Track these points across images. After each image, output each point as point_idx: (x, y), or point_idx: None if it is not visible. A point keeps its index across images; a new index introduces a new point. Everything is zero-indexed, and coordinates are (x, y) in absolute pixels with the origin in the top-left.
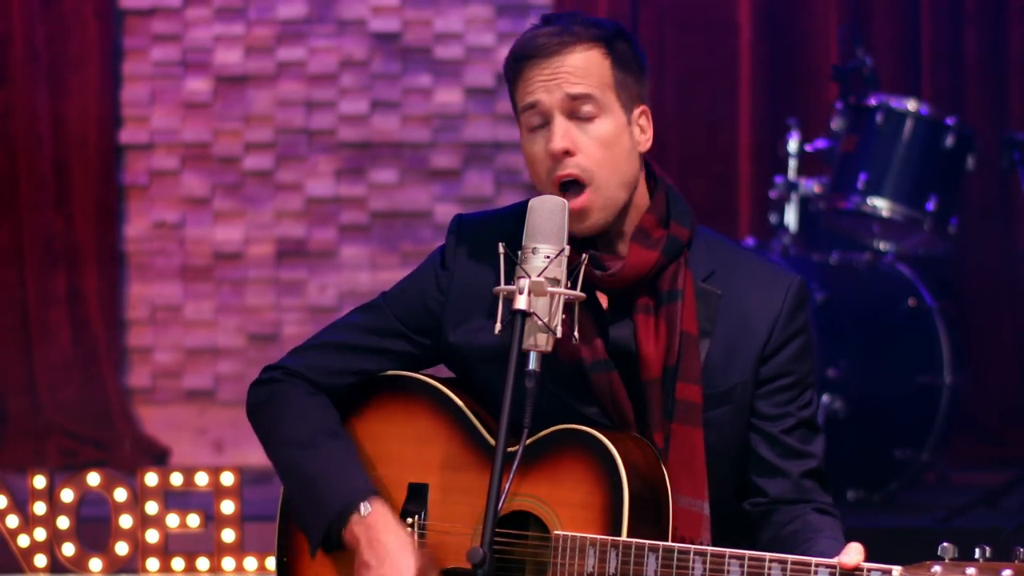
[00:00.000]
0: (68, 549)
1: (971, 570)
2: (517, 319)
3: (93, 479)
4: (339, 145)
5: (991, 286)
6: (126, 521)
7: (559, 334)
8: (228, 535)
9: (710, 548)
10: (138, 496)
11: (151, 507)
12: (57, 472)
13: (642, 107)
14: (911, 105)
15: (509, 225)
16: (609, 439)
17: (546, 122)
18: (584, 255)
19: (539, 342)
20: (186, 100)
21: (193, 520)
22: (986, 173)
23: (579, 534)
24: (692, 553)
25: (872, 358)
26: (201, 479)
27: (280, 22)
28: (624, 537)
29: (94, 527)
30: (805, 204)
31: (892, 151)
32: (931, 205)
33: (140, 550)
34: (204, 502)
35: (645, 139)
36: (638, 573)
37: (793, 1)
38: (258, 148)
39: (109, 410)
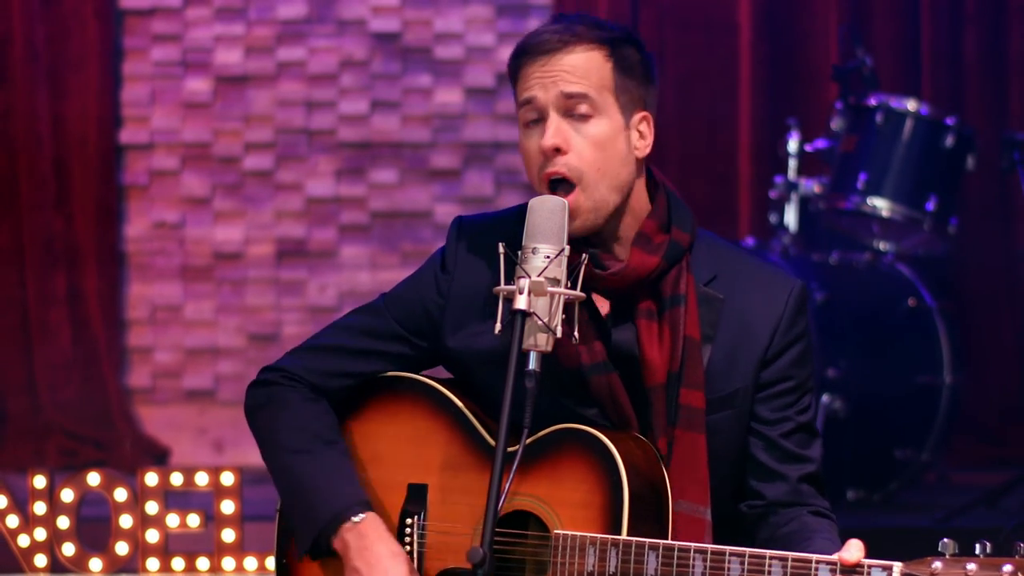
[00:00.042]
0: (68, 549)
1: (971, 565)
2: (517, 319)
3: (93, 479)
4: (339, 145)
5: (991, 286)
6: (126, 521)
7: (559, 334)
8: (228, 535)
9: (710, 546)
10: (138, 496)
11: (151, 507)
12: (57, 472)
13: (643, 113)
14: (911, 105)
15: (509, 227)
16: (609, 438)
17: (541, 119)
18: (584, 255)
19: (539, 342)
20: (186, 100)
21: (193, 520)
22: (986, 173)
23: (579, 533)
24: (692, 551)
25: (872, 358)
26: (201, 479)
27: (280, 22)
28: (624, 536)
29: (94, 527)
30: (805, 204)
31: (892, 151)
32: (931, 205)
33: (140, 550)
34: (204, 502)
35: (644, 145)
36: (638, 572)
37: (793, 1)
38: (258, 148)
39: (109, 410)
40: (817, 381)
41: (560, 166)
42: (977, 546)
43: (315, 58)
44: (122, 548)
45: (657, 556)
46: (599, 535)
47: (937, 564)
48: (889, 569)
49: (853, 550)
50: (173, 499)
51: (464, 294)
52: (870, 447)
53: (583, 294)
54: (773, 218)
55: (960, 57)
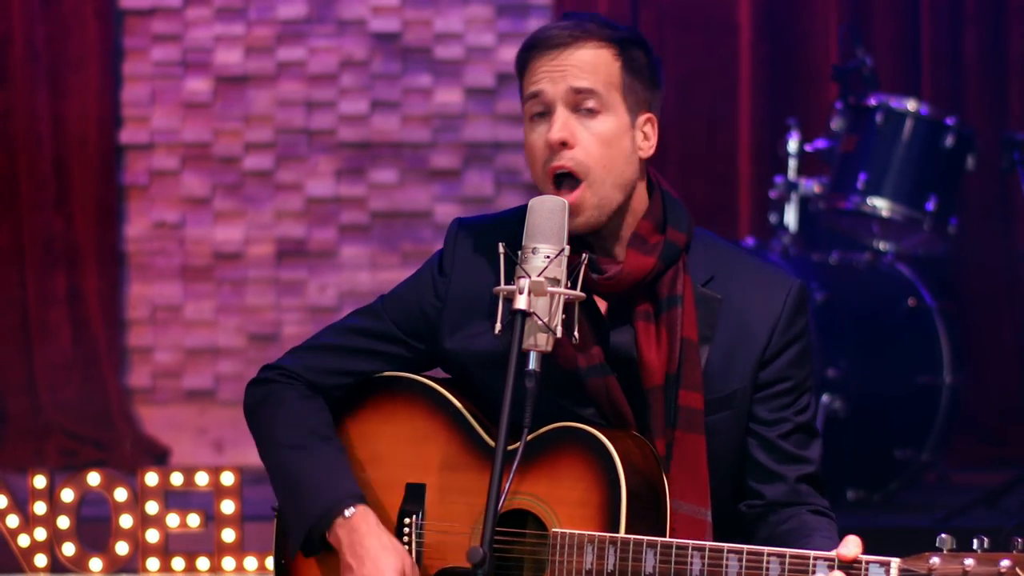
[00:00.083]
0: (68, 549)
1: (969, 560)
2: (517, 319)
3: (93, 479)
4: (339, 145)
5: (991, 286)
6: (126, 521)
7: (559, 334)
8: (228, 535)
9: (708, 543)
10: (138, 496)
11: (151, 507)
12: (57, 472)
13: (648, 115)
14: (911, 105)
15: (508, 228)
16: (607, 437)
17: (548, 112)
18: (584, 255)
19: (539, 342)
20: (186, 100)
21: (193, 520)
22: (986, 173)
23: (577, 531)
24: (690, 548)
25: (872, 358)
26: (201, 479)
27: (280, 22)
28: (622, 534)
29: (94, 527)
30: (805, 204)
31: (892, 151)
32: (931, 205)
33: (140, 550)
34: (204, 502)
35: (648, 146)
36: (636, 569)
37: (793, 1)
38: (258, 148)
39: (109, 410)
40: (817, 381)
41: (567, 160)
42: (975, 541)
43: (315, 58)
44: (122, 548)
45: (655, 554)
46: (597, 533)
47: (935, 559)
48: (887, 565)
49: (851, 546)
50: (173, 499)
51: (461, 296)
52: (870, 447)
53: (583, 294)
54: (773, 218)
55: (960, 57)
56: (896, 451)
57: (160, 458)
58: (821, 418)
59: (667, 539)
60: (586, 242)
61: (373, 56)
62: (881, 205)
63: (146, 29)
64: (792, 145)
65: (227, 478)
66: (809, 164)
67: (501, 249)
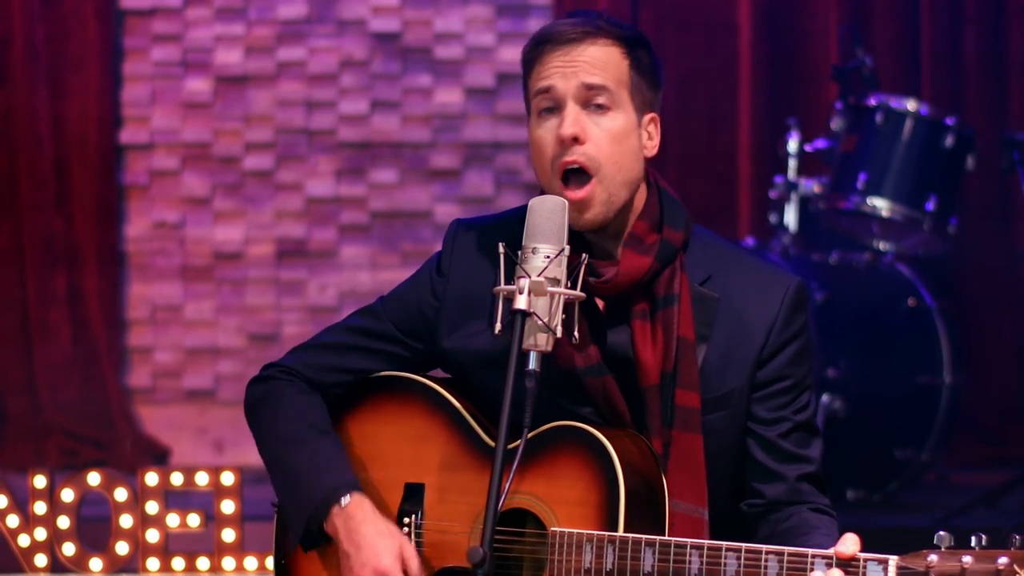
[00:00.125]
0: (68, 549)
1: (967, 558)
2: (517, 319)
3: (93, 479)
4: (339, 145)
5: (991, 286)
6: (126, 521)
7: (559, 334)
8: (228, 535)
9: (707, 542)
10: (138, 496)
11: (151, 507)
12: (57, 472)
13: (652, 114)
14: (911, 105)
15: (508, 228)
16: (605, 436)
17: (557, 108)
18: (584, 255)
19: (539, 342)
20: (186, 100)
21: (193, 520)
22: (986, 173)
23: (576, 530)
24: (689, 547)
25: (872, 358)
26: (201, 479)
27: (280, 22)
28: (621, 533)
29: (94, 527)
30: (805, 204)
31: (892, 151)
32: (931, 205)
33: (140, 550)
34: (204, 502)
35: (652, 145)
36: (635, 568)
37: (793, 1)
38: (258, 148)
39: (109, 410)
40: (817, 381)
41: (578, 155)
42: (973, 539)
43: (315, 58)
44: (122, 548)
45: (654, 552)
46: (596, 532)
47: (933, 557)
48: (885, 563)
49: (849, 544)
50: (173, 499)
51: (459, 296)
52: (870, 447)
53: (583, 294)
54: (773, 218)
55: (960, 57)
56: (896, 451)
57: (160, 458)
58: (821, 418)
59: (666, 538)
60: (586, 242)
61: (373, 56)
62: (881, 205)
63: (146, 29)
64: (792, 145)
65: (227, 478)
66: (809, 164)
67: (501, 249)
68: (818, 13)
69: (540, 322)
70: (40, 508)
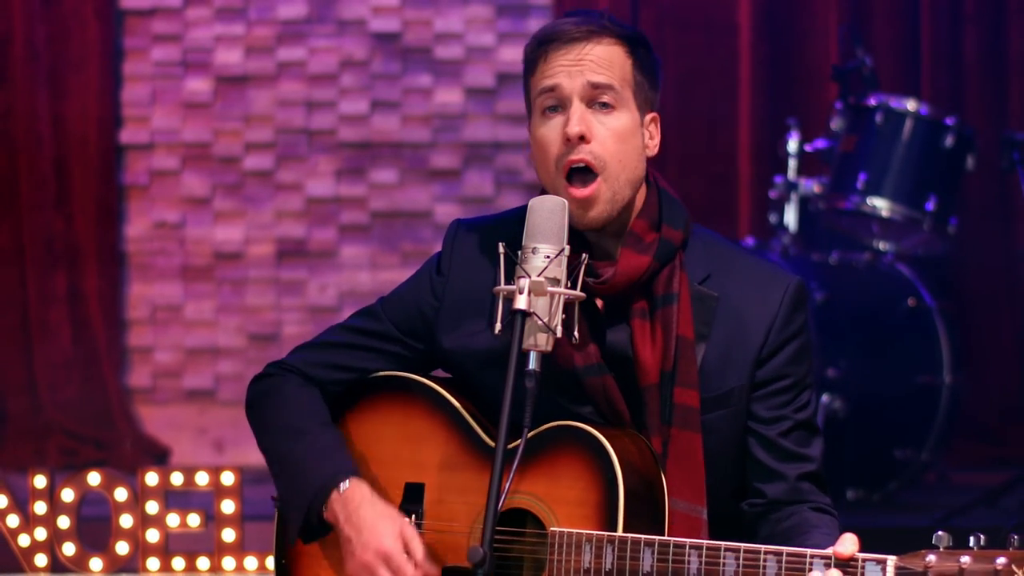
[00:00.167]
0: (69, 549)
1: (965, 558)
2: (517, 319)
3: (94, 479)
4: (339, 145)
5: (991, 286)
6: (126, 521)
7: (559, 334)
8: (228, 535)
9: (706, 542)
10: (138, 496)
11: (151, 507)
12: (58, 472)
13: (653, 114)
14: (911, 105)
15: (508, 228)
16: (605, 436)
17: (562, 107)
18: (584, 255)
19: (539, 342)
20: (186, 100)
21: (193, 520)
22: (986, 173)
23: (575, 530)
24: (688, 547)
25: (872, 358)
26: (201, 479)
27: (280, 22)
28: (620, 533)
29: (95, 527)
30: (805, 204)
31: (892, 151)
32: (931, 205)
33: (140, 550)
34: (204, 502)
35: (653, 144)
36: (634, 568)
37: (793, 1)
38: (258, 148)
39: (110, 410)
40: (817, 381)
41: (585, 154)
42: (971, 539)
43: (315, 58)
44: (122, 548)
45: (653, 552)
46: (595, 532)
47: (931, 557)
48: (883, 563)
49: (848, 544)
50: (173, 499)
51: (459, 295)
52: (870, 447)
53: (583, 294)
54: (773, 218)
55: (960, 57)
56: (896, 451)
57: (160, 458)
58: (821, 418)
59: (665, 538)
60: (586, 241)
61: (373, 56)
62: (881, 205)
63: (146, 29)
64: (792, 145)
65: (227, 478)
66: (809, 164)
67: (501, 249)
68: (818, 13)
69: (540, 322)
70: (40, 508)
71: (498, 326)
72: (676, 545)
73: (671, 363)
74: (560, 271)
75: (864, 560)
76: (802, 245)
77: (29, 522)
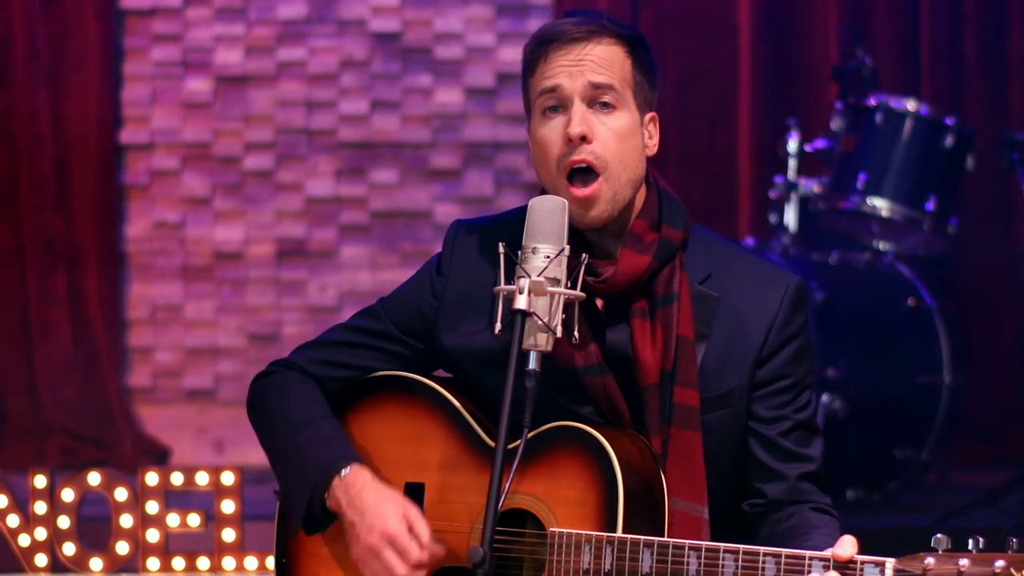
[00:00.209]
0: (69, 548)
1: (964, 561)
2: (517, 319)
3: (94, 479)
4: (339, 145)
5: (991, 286)
6: (127, 520)
7: (559, 334)
8: (228, 535)
9: (705, 543)
10: (139, 496)
11: (152, 507)
12: (58, 471)
13: (652, 113)
14: (911, 105)
15: (508, 228)
16: (604, 436)
17: (562, 107)
18: (584, 255)
19: (539, 342)
20: (186, 100)
21: (194, 520)
22: (986, 173)
23: (574, 531)
24: (687, 548)
25: (872, 358)
26: (202, 479)
27: (280, 22)
28: (620, 534)
29: (95, 526)
30: (805, 204)
31: (892, 151)
32: (931, 205)
33: (141, 549)
34: (205, 502)
35: (652, 144)
36: (633, 569)
37: (793, 1)
38: (258, 148)
39: (110, 410)
40: (817, 381)
41: (587, 154)
42: (970, 542)
43: (315, 58)
44: (122, 548)
45: (652, 553)
46: (594, 533)
47: (930, 560)
48: (882, 565)
49: (846, 546)
50: (173, 499)
51: (459, 295)
52: (870, 447)
53: (583, 294)
54: (773, 218)
55: (960, 57)
56: (896, 451)
57: (160, 458)
58: (821, 418)
59: (664, 539)
60: (587, 241)
61: (373, 56)
62: (881, 205)
63: (146, 29)
64: (792, 145)
65: (227, 478)
66: (809, 164)
67: (501, 249)
68: (818, 13)
69: (540, 322)
70: (40, 508)
71: (498, 326)
72: (675, 546)
73: (671, 363)
74: (560, 271)
75: (863, 562)
76: (802, 245)
77: (29, 522)
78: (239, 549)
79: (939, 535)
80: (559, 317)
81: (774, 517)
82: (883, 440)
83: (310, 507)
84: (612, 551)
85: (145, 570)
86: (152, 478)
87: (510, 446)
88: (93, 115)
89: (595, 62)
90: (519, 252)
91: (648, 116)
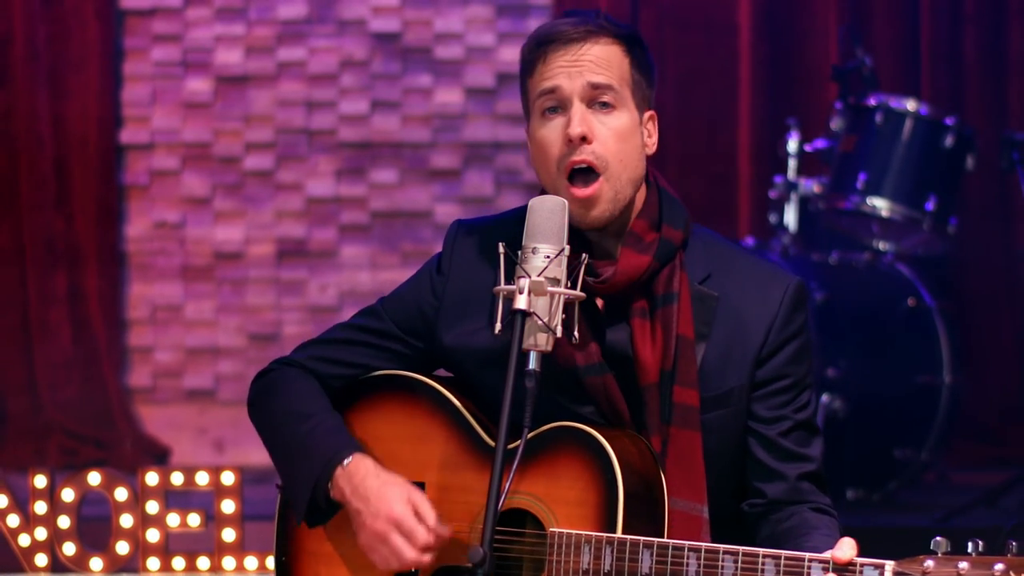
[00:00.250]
0: (69, 548)
1: (963, 564)
2: (517, 319)
3: (94, 478)
4: (339, 145)
5: (991, 286)
6: (127, 520)
7: (559, 334)
8: (228, 534)
9: (704, 544)
10: (139, 495)
11: (152, 506)
12: (58, 471)
13: (650, 112)
14: (911, 105)
15: (508, 228)
16: (604, 436)
17: (562, 108)
18: (584, 255)
19: (539, 342)
20: (186, 100)
21: (194, 519)
22: (986, 173)
23: (574, 531)
24: (687, 549)
25: (872, 358)
26: (202, 478)
27: (280, 22)
28: (619, 534)
29: (95, 526)
30: (805, 204)
31: (891, 151)
32: (930, 205)
33: (141, 549)
34: (205, 501)
35: (652, 143)
36: (633, 570)
37: (793, 1)
38: (258, 148)
39: (110, 409)
40: (817, 381)
41: (587, 154)
42: (969, 544)
43: (315, 58)
44: (123, 548)
45: (652, 554)
46: (594, 533)
47: (929, 563)
48: (881, 568)
49: (846, 548)
50: (174, 499)
51: (459, 295)
52: (870, 447)
53: (583, 294)
54: (773, 218)
55: (960, 57)
56: (896, 451)
57: (160, 458)
58: (821, 418)
59: (663, 540)
60: (587, 241)
61: (373, 56)
62: (881, 205)
63: (146, 29)
64: (792, 145)
65: (227, 478)
66: (809, 164)
67: (501, 249)
68: (818, 13)
69: (540, 322)
70: (40, 508)
71: (498, 326)
72: (675, 547)
73: (671, 362)
74: (560, 271)
75: (862, 565)
76: (802, 245)
77: (29, 522)
78: (239, 549)
79: (938, 538)
80: (559, 317)
81: (774, 517)
82: (883, 440)
83: (313, 497)
84: (612, 551)
85: (145, 570)
86: (152, 478)
87: (510, 446)
88: (93, 115)
89: (593, 62)
90: (519, 252)
91: (647, 115)
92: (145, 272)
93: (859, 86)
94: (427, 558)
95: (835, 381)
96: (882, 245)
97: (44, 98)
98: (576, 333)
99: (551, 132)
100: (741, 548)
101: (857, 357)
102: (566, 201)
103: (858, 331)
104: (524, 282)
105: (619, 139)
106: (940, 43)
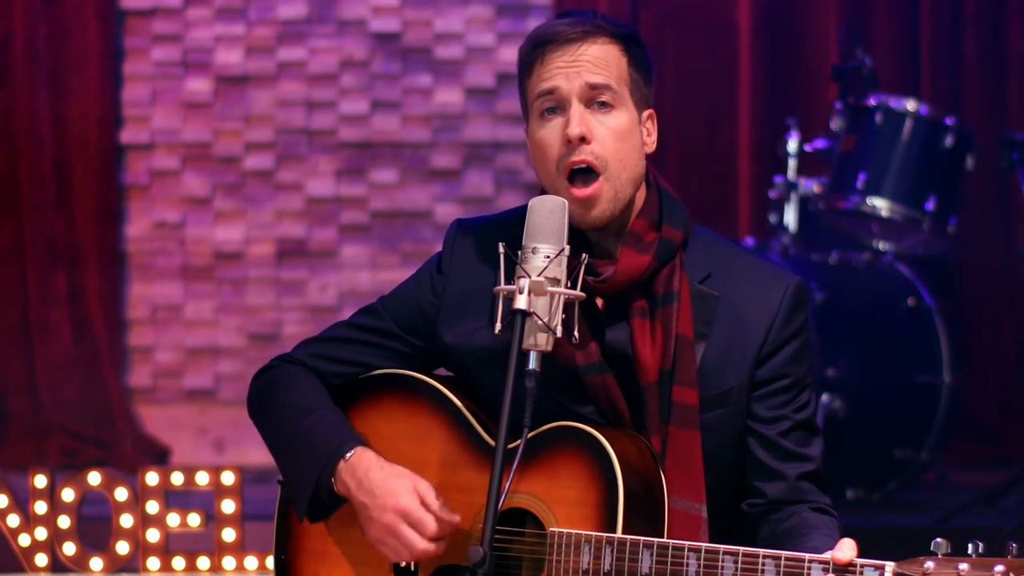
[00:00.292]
0: (69, 548)
1: (964, 565)
2: (517, 319)
3: (94, 478)
4: (339, 145)
5: (991, 286)
6: (127, 520)
7: (559, 334)
8: (229, 534)
9: (704, 544)
10: (139, 495)
11: (152, 506)
12: (58, 471)
13: (649, 111)
14: (910, 105)
15: (508, 228)
16: (605, 436)
17: (560, 108)
18: (584, 255)
19: (539, 342)
20: (187, 100)
21: (194, 519)
22: (985, 173)
23: (574, 531)
24: (687, 549)
25: (872, 358)
26: (202, 478)
27: (280, 22)
28: (619, 534)
29: (95, 526)
30: (805, 204)
31: (891, 151)
32: (930, 205)
33: (141, 549)
34: (205, 501)
35: (651, 141)
36: (633, 570)
37: (793, 1)
38: (258, 148)
39: (110, 409)
40: (817, 381)
41: (586, 155)
42: (969, 546)
43: (315, 58)
44: (123, 547)
45: (651, 554)
46: (594, 533)
47: (929, 564)
48: (881, 569)
49: (846, 549)
50: (174, 498)
51: (459, 294)
52: (870, 447)
53: (583, 294)
54: (773, 218)
55: (960, 57)
56: (896, 451)
57: (160, 458)
58: (821, 418)
59: (663, 540)
60: (587, 240)
61: (373, 56)
62: (881, 205)
63: (147, 29)
64: (792, 145)
65: (227, 478)
66: (809, 164)
67: (501, 249)
68: (818, 13)
69: (540, 322)
70: (41, 508)
71: (498, 326)
72: (675, 548)
73: (670, 362)
74: (560, 271)
75: (862, 566)
76: (802, 245)
77: (29, 522)
78: (239, 549)
79: (939, 539)
80: (559, 317)
81: (774, 517)
82: (883, 440)
83: (316, 491)
84: (611, 551)
85: (145, 570)
86: (152, 478)
87: (510, 446)
88: (93, 115)
89: (591, 62)
90: (519, 252)
91: (646, 114)
92: (145, 272)
93: (859, 86)
94: (437, 547)
95: (835, 381)
96: (882, 245)
97: (44, 98)
98: (576, 333)
99: (550, 133)
100: (741, 548)
101: (857, 357)
102: (566, 201)
103: (858, 331)
104: (524, 282)
105: (618, 139)
106: (940, 43)
